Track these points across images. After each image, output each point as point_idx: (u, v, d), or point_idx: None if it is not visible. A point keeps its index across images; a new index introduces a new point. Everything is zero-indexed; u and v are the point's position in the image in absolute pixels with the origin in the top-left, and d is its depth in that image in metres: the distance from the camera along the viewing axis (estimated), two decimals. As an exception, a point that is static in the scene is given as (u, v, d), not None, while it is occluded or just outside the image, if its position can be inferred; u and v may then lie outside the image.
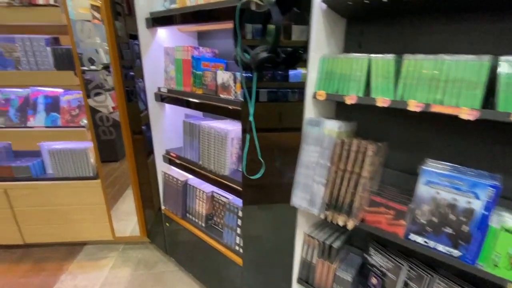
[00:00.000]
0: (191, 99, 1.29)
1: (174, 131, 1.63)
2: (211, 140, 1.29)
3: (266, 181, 1.06)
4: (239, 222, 1.30)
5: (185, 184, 1.51)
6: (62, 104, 1.77)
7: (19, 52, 1.59)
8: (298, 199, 0.95)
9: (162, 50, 1.43)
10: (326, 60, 0.85)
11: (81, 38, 1.50)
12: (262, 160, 1.02)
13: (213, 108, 1.19)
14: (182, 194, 1.53)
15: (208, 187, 1.45)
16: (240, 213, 1.29)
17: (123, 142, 1.71)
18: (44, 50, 1.60)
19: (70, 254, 1.97)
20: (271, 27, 0.87)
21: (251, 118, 0.99)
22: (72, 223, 1.94)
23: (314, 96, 0.88)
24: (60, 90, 1.81)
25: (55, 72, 1.61)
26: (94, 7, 1.46)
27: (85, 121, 1.76)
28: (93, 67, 1.55)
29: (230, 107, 1.12)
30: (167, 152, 1.61)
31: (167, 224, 1.75)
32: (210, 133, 1.29)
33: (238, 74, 1.10)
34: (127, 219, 1.99)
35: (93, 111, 1.64)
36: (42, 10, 1.47)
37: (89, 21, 1.48)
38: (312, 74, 0.87)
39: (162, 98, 1.46)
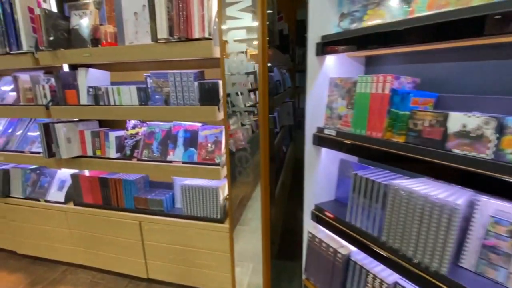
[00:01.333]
0: (384, 149, 0.90)
1: (326, 179, 1.29)
2: (421, 215, 0.85)
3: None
4: None
5: (347, 259, 1.11)
6: (200, 139, 1.68)
7: (170, 88, 1.58)
8: None
9: (327, 82, 1.15)
10: None
11: (231, 71, 1.37)
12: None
13: (434, 168, 0.77)
14: (341, 273, 1.12)
15: (387, 273, 1.01)
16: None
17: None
18: (192, 85, 1.55)
19: (188, 299, 1.81)
20: None
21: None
22: (194, 267, 1.79)
23: None
24: (198, 124, 1.74)
25: (200, 107, 1.52)
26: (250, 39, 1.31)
27: (221, 159, 1.61)
28: (241, 105, 1.39)
29: (481, 171, 0.67)
30: (319, 209, 1.26)
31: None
32: (419, 204, 0.84)
33: (509, 120, 0.67)
34: (248, 267, 1.72)
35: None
36: (197, 45, 1.41)
37: (242, 52, 1.34)
38: None
39: (323, 141, 1.14)
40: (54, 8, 1.90)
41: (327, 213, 1.18)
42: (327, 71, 1.14)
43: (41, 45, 1.64)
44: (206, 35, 1.40)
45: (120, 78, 1.93)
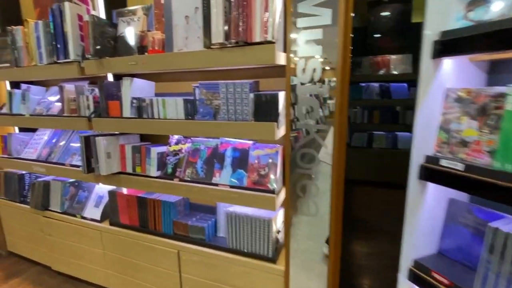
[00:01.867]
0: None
1: (428, 225, 0.96)
2: None
3: None
4: None
5: None
6: (251, 160, 1.44)
7: (220, 100, 1.37)
8: None
9: (441, 93, 0.84)
10: None
11: (301, 80, 1.12)
12: None
13: None
14: None
15: None
16: None
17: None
18: (246, 97, 1.32)
19: None
20: None
21: None
22: (237, 310, 1.52)
23: None
24: (249, 142, 1.50)
25: (255, 123, 1.29)
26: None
27: (275, 185, 1.35)
28: (309, 121, 1.13)
29: None
30: (420, 267, 0.92)
31: None
32: None
33: None
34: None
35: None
36: (257, 49, 1.19)
37: (312, 57, 1.09)
38: None
39: (436, 175, 0.82)
40: (103, 16, 1.83)
41: (436, 275, 0.85)
42: (443, 79, 0.84)
43: (88, 53, 1.54)
44: (269, 38, 1.17)
45: (166, 89, 1.77)
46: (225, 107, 1.37)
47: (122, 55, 1.60)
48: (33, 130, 2.27)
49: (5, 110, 2.20)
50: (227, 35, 1.23)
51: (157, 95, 1.77)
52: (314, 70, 1.09)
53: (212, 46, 1.29)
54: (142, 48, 1.55)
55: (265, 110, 1.30)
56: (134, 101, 1.58)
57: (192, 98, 1.46)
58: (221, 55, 1.27)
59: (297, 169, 1.21)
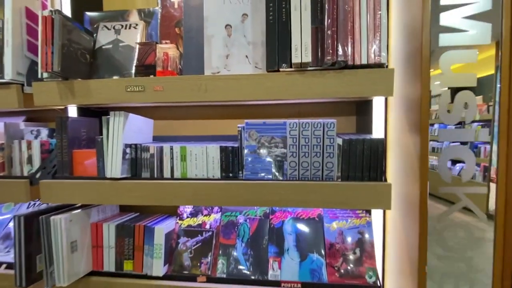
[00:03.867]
0: None
1: None
2: None
3: None
4: None
5: None
6: (329, 237, 0.95)
7: (286, 148, 0.89)
8: None
9: None
10: None
11: (444, 120, 0.75)
12: None
13: None
14: None
15: None
16: None
17: None
18: (330, 144, 0.88)
19: None
20: None
21: None
22: None
23: None
24: (318, 209, 1.02)
25: (360, 185, 0.83)
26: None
27: (376, 274, 0.88)
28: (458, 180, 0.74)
29: None
30: None
31: None
32: None
33: None
34: None
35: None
36: (366, 75, 0.79)
37: (464, 88, 0.74)
38: None
39: None
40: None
41: None
42: None
43: (46, 69, 0.89)
44: (383, 60, 0.79)
45: (177, 131, 1.20)
46: (294, 158, 0.89)
47: (104, 76, 1.00)
48: None
49: None
50: (318, 54, 0.80)
51: (167, 139, 1.17)
52: (466, 105, 0.74)
53: (280, 69, 0.83)
54: (144, 68, 0.98)
55: (368, 163, 0.87)
56: (128, 150, 0.95)
57: (233, 144, 0.94)
58: (302, 82, 0.82)
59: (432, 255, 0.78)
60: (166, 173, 0.95)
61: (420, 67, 0.76)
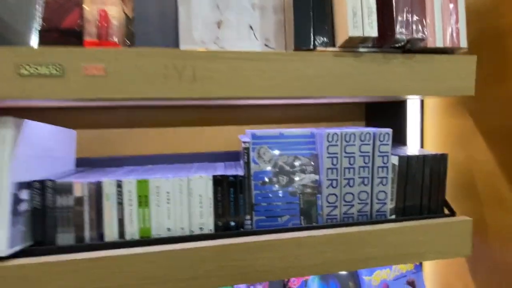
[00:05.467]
0: None
1: None
2: None
3: None
4: None
5: None
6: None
7: (322, 175, 0.57)
8: None
9: None
10: None
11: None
12: None
13: None
14: None
15: None
16: None
17: None
18: (385, 165, 0.59)
19: None
20: None
21: None
22: None
23: None
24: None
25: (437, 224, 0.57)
26: None
27: None
28: None
29: None
30: None
31: None
32: None
33: None
34: None
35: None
36: (437, 62, 0.54)
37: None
38: None
39: None
40: None
41: None
42: None
43: None
44: (462, 43, 0.55)
45: (137, 146, 0.73)
46: (334, 189, 0.57)
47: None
48: None
49: None
50: (381, 29, 0.50)
51: (94, 164, 0.68)
52: None
53: (318, 48, 0.51)
54: (60, 34, 0.52)
55: (425, 189, 0.61)
56: (25, 193, 0.47)
57: (235, 173, 0.56)
58: (358, 70, 0.51)
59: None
60: (110, 232, 0.51)
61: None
